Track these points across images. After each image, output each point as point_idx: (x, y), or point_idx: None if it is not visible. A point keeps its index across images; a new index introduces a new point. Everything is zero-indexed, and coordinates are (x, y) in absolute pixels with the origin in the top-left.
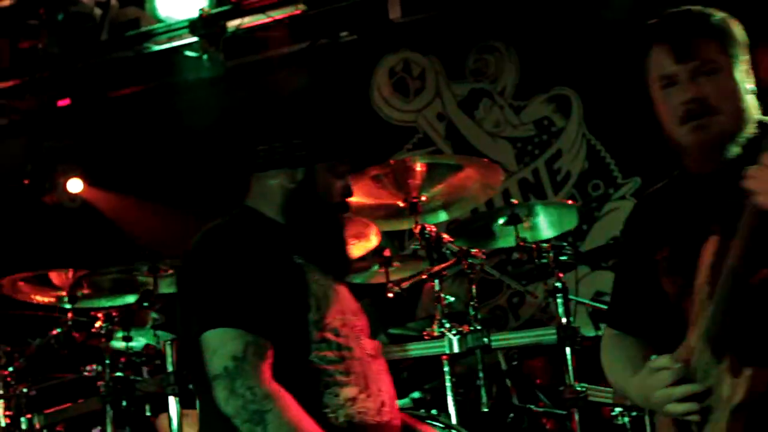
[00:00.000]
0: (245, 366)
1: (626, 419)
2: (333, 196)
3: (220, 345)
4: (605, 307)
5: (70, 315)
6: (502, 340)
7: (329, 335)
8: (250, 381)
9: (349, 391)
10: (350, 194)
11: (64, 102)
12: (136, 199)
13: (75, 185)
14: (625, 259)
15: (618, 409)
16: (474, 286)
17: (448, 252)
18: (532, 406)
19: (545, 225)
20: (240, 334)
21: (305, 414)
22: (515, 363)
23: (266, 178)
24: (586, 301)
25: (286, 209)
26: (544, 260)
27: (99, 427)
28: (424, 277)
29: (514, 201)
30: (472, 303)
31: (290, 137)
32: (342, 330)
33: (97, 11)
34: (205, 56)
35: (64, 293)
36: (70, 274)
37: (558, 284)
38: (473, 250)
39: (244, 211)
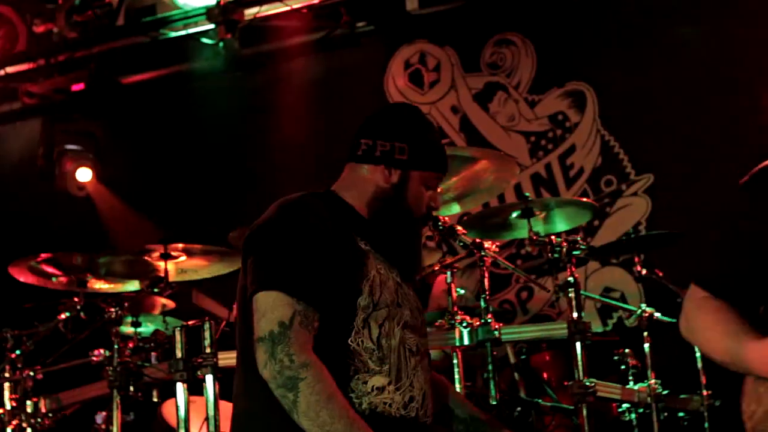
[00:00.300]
0: (289, 333)
1: (633, 416)
2: (420, 206)
3: (270, 309)
4: (614, 302)
5: (78, 299)
6: (512, 333)
7: (373, 323)
8: (291, 348)
9: (377, 381)
10: (436, 207)
11: (78, 87)
12: (133, 210)
13: (84, 174)
14: (751, 228)
15: (625, 406)
16: (486, 279)
17: (461, 244)
18: (539, 401)
19: (558, 219)
20: (291, 302)
21: (338, 389)
22: (524, 357)
23: (361, 170)
24: (596, 297)
25: (373, 205)
26: (556, 255)
27: (103, 413)
28: (436, 268)
29: (530, 196)
30: (483, 296)
31: (396, 139)
32: (388, 321)
33: None
34: (221, 44)
35: (73, 277)
36: (81, 258)
37: (570, 279)
38: (486, 243)
39: (326, 193)
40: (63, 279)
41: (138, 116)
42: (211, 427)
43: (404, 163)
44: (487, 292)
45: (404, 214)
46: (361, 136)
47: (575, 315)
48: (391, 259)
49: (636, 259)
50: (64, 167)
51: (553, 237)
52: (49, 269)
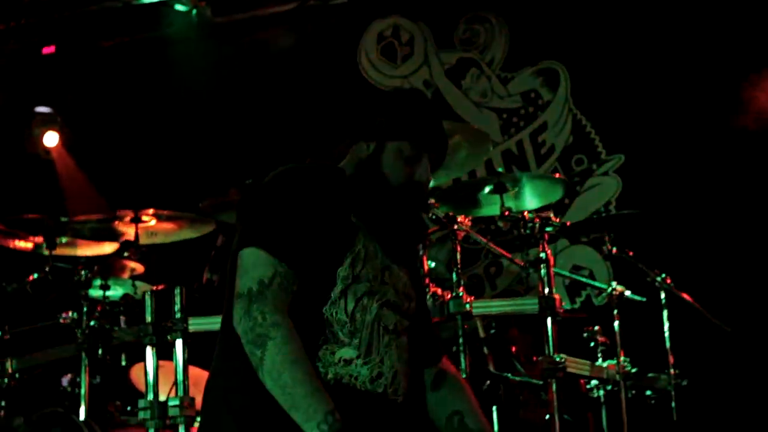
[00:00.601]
0: (267, 293)
1: (601, 392)
2: (398, 177)
3: (252, 266)
4: (586, 280)
5: (46, 261)
6: (483, 307)
7: (351, 296)
8: (266, 308)
9: (345, 353)
10: (420, 186)
11: (49, 50)
12: (91, 183)
13: (51, 139)
14: None
15: (594, 382)
16: (458, 253)
17: (433, 217)
18: (509, 375)
19: (529, 196)
20: (273, 262)
21: (305, 356)
22: (493, 331)
23: (352, 147)
24: (567, 274)
25: (353, 177)
26: (528, 231)
27: (69, 375)
28: None
29: (501, 170)
30: (455, 269)
31: (376, 114)
32: (368, 297)
33: None
34: (194, 11)
35: (41, 239)
36: (50, 220)
37: (542, 255)
38: (459, 217)
39: (331, 166)
40: (31, 240)
41: (109, 81)
42: (180, 392)
43: (378, 134)
44: (458, 266)
45: (379, 184)
46: (356, 116)
47: (546, 291)
48: (381, 237)
49: (606, 238)
50: (32, 130)
51: (525, 213)
52: (18, 231)
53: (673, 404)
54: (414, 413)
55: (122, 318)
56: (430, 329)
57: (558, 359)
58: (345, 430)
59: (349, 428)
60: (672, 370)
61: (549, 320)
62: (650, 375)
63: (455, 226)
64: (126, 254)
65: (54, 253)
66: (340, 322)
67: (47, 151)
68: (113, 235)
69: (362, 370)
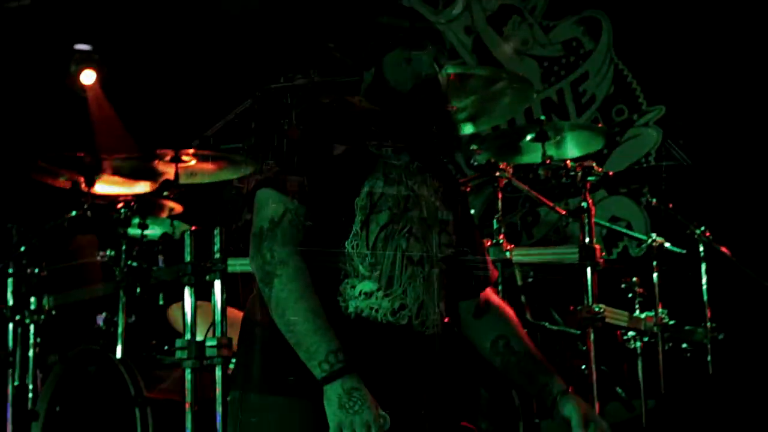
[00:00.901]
0: (277, 231)
1: (638, 344)
2: (404, 85)
3: (264, 206)
4: (625, 231)
5: (85, 199)
6: (523, 255)
7: (374, 227)
8: (275, 245)
9: (365, 286)
10: (431, 78)
11: None
12: (123, 124)
13: (88, 77)
14: None
15: (631, 334)
16: (500, 200)
17: (475, 164)
18: (546, 324)
19: (571, 145)
20: (284, 200)
21: (312, 293)
22: (531, 280)
23: (361, 83)
24: (608, 224)
25: (367, 102)
26: (568, 180)
27: (104, 314)
28: None
29: (542, 118)
30: (497, 216)
31: (359, 47)
32: (393, 225)
33: None
34: None
35: (81, 177)
36: (90, 158)
37: (584, 204)
38: (501, 164)
39: (345, 100)
40: (70, 177)
41: (149, 18)
42: (217, 332)
43: (370, 59)
44: (500, 213)
45: (391, 97)
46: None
47: (587, 240)
48: (410, 147)
49: (645, 189)
50: (71, 67)
51: (568, 161)
52: (56, 168)
53: (708, 358)
54: (446, 345)
55: (160, 257)
56: (472, 259)
57: (597, 309)
58: (349, 369)
59: (356, 366)
60: (709, 324)
61: (589, 270)
62: (687, 328)
63: (497, 173)
64: (165, 193)
65: (91, 191)
66: (361, 255)
67: (84, 89)
68: (153, 175)
69: (383, 303)
